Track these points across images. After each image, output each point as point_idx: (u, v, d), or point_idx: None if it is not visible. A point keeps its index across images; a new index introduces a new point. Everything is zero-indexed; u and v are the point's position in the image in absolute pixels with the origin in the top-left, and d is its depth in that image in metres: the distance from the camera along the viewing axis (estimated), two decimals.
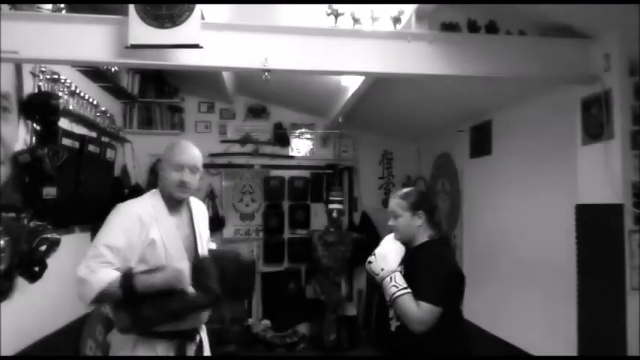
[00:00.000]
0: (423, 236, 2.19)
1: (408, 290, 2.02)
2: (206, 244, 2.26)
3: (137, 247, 2.02)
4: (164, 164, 2.14)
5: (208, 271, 2.06)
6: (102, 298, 1.94)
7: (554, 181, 3.17)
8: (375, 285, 2.24)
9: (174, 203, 2.16)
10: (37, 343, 3.11)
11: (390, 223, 2.25)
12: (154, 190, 2.22)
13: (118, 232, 2.02)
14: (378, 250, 2.21)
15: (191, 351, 2.10)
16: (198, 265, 2.07)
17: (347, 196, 5.72)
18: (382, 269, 2.12)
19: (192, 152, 2.16)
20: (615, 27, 2.49)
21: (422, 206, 2.20)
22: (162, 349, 2.03)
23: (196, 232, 2.20)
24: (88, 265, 1.98)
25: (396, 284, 2.05)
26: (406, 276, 2.09)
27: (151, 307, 1.95)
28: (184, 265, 2.02)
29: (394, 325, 2.14)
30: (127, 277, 1.94)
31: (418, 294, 2.01)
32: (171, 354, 2.04)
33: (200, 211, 2.31)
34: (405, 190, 2.31)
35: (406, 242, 2.21)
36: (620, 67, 2.49)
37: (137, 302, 1.94)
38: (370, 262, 2.19)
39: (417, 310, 1.98)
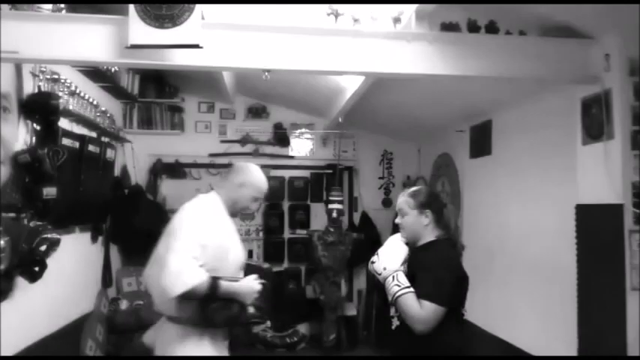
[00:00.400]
0: (429, 236, 2.16)
1: (411, 289, 1.99)
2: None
3: (211, 248, 2.16)
4: (249, 186, 2.37)
5: (266, 291, 2.35)
6: (189, 294, 2.05)
7: (554, 181, 3.17)
8: (377, 285, 2.21)
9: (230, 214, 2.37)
10: (37, 343, 3.11)
11: (397, 220, 2.23)
12: (213, 194, 2.36)
13: (202, 230, 2.17)
14: (381, 250, 2.19)
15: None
16: (264, 285, 2.32)
17: (347, 196, 5.72)
18: (384, 268, 2.09)
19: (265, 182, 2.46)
20: (615, 27, 2.49)
21: (430, 205, 2.17)
22: (219, 336, 2.27)
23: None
24: (181, 258, 2.07)
25: (399, 283, 2.02)
26: (409, 275, 2.07)
27: (220, 310, 2.13)
28: (255, 282, 2.28)
29: (395, 324, 2.12)
30: (215, 280, 2.10)
31: (421, 293, 1.97)
32: (221, 341, 2.28)
33: None
34: (415, 188, 2.28)
35: (412, 241, 2.18)
36: (620, 67, 2.49)
37: (209, 302, 2.12)
38: (373, 262, 2.17)
39: (420, 310, 1.95)
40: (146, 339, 2.42)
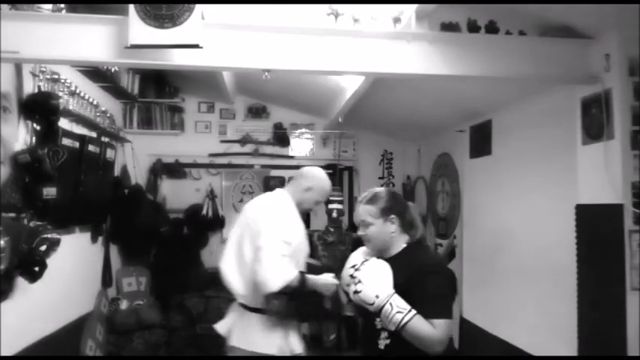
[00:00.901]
0: (399, 243, 1.96)
1: (414, 312, 1.75)
2: None
3: (292, 245, 2.40)
4: (315, 191, 2.63)
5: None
6: (285, 288, 2.28)
7: (554, 181, 3.17)
8: (360, 310, 1.91)
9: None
10: (37, 343, 3.11)
11: (360, 233, 2.00)
12: (283, 192, 2.61)
13: (287, 228, 2.42)
14: (360, 275, 1.85)
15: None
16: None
17: (347, 196, 5.72)
18: (377, 296, 1.77)
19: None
20: (615, 27, 2.49)
21: (393, 209, 1.95)
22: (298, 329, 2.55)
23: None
24: (274, 256, 2.27)
25: (400, 309, 1.74)
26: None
27: (305, 304, 2.37)
28: (332, 279, 2.46)
29: (383, 343, 1.88)
30: (303, 275, 2.34)
31: (429, 313, 1.75)
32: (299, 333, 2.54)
33: None
34: (372, 192, 2.02)
35: (381, 253, 1.97)
36: (620, 67, 2.49)
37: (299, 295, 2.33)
38: (358, 292, 1.82)
39: (434, 331, 1.74)
40: (220, 328, 2.57)
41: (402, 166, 5.87)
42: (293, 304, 2.33)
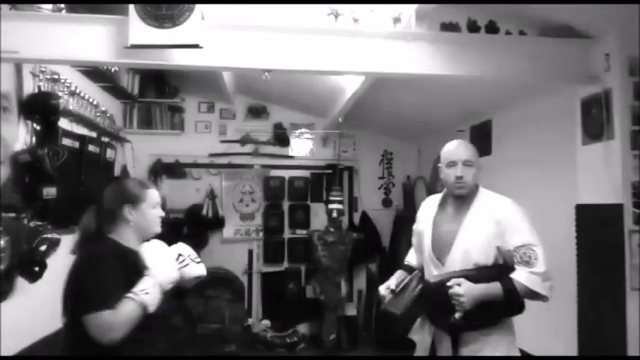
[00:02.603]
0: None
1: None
2: (476, 243, 2.07)
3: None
4: (441, 164, 2.20)
5: None
6: None
7: (554, 181, 3.17)
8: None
9: (454, 199, 2.19)
10: (37, 343, 3.10)
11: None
12: None
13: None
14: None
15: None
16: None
17: (347, 196, 5.72)
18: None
19: (461, 148, 2.18)
20: (615, 27, 2.49)
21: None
22: None
23: (461, 229, 2.10)
24: None
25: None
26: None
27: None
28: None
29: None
30: None
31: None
32: None
33: (494, 209, 2.10)
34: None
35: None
36: (620, 67, 2.49)
37: None
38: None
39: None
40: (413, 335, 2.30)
41: (402, 166, 5.87)
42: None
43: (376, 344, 5.17)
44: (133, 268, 1.70)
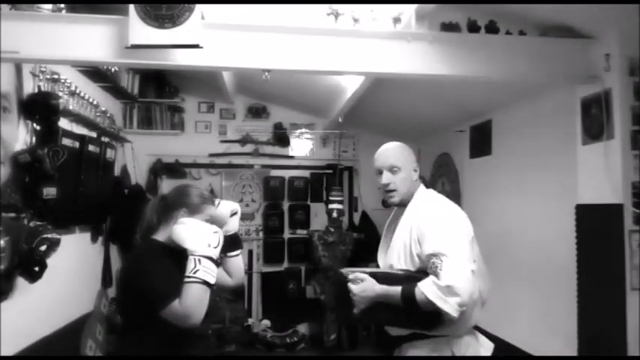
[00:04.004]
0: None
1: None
2: (399, 255, 1.98)
3: None
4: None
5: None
6: None
7: (554, 181, 3.17)
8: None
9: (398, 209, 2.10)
10: (37, 343, 3.10)
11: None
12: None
13: None
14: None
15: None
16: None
17: (347, 196, 5.72)
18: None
19: (386, 153, 2.07)
20: (615, 27, 2.49)
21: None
22: None
23: (394, 236, 2.04)
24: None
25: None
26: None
27: None
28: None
29: None
30: None
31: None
32: None
33: (418, 214, 1.98)
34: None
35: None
36: (620, 67, 2.49)
37: None
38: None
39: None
40: None
41: None
42: None
43: (376, 344, 5.17)
44: (180, 255, 1.76)
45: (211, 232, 1.78)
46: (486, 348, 2.05)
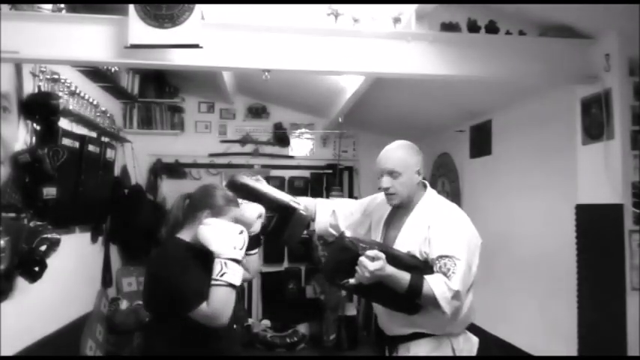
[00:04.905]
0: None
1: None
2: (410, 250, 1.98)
3: None
4: None
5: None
6: None
7: (554, 181, 3.17)
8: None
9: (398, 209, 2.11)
10: (37, 343, 3.11)
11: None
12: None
13: None
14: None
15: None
16: None
17: (347, 196, 5.72)
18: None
19: (387, 155, 2.09)
20: (615, 27, 2.49)
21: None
22: None
23: (399, 236, 2.05)
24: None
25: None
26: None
27: None
28: None
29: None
30: None
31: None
32: None
33: (429, 216, 2.01)
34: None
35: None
36: (620, 67, 2.49)
37: None
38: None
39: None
40: None
41: None
42: None
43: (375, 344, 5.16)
44: (206, 255, 1.77)
45: (237, 233, 1.79)
46: (473, 343, 2.08)
